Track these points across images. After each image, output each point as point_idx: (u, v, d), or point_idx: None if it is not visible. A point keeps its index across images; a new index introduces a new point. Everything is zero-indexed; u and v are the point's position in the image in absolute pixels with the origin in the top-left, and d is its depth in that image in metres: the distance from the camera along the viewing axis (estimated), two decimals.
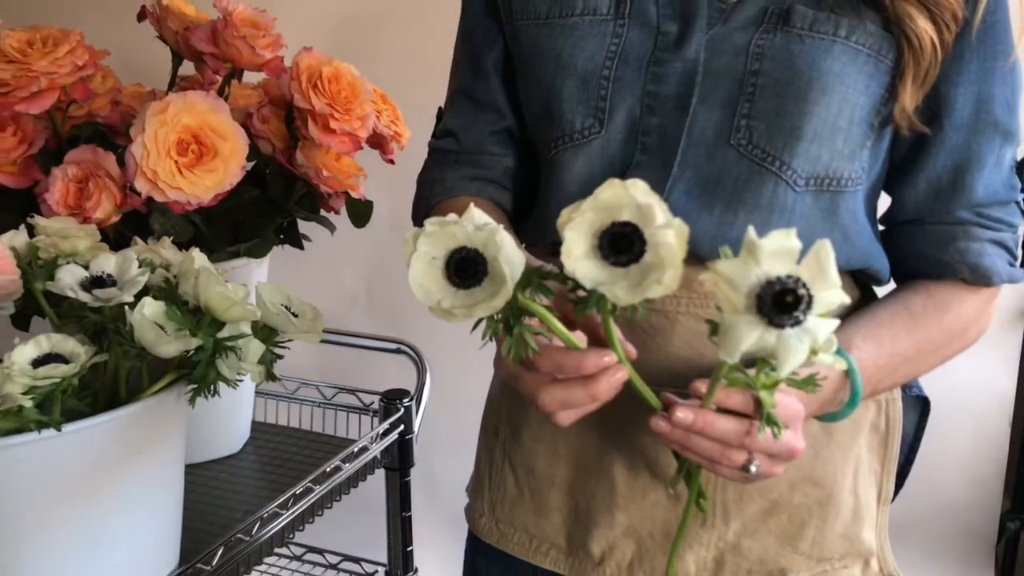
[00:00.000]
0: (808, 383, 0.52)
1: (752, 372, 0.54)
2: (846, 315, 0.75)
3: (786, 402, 0.60)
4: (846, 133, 0.71)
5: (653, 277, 0.48)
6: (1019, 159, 0.77)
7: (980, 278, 0.74)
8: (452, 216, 0.50)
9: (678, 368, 0.73)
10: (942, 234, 0.75)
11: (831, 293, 0.47)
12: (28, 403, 0.58)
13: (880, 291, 0.83)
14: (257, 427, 1.10)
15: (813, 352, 0.47)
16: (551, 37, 0.75)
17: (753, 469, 0.60)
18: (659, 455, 0.74)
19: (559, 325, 0.54)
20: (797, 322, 0.47)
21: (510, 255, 0.50)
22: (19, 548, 0.63)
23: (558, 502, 0.80)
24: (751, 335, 0.47)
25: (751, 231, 0.48)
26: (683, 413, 0.57)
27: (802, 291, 0.46)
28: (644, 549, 0.76)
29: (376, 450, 1.02)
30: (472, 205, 0.51)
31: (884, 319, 0.74)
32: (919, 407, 0.84)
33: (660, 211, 0.48)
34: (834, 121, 0.70)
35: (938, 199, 0.76)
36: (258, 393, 1.13)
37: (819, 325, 0.47)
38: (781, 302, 0.46)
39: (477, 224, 0.50)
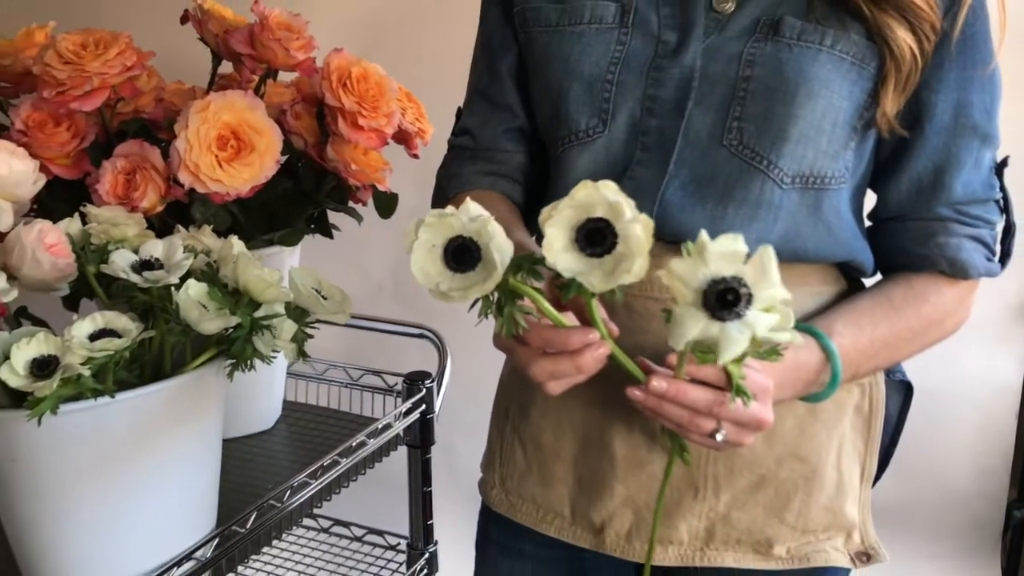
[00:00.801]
0: (771, 353, 0.58)
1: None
2: (832, 303, 0.80)
3: (755, 376, 0.66)
4: (830, 135, 0.75)
5: (624, 266, 0.54)
6: (999, 161, 0.81)
7: (958, 271, 0.79)
8: (450, 208, 0.56)
9: (671, 348, 0.78)
10: (923, 230, 0.80)
11: (772, 292, 0.53)
12: (86, 372, 0.65)
13: (869, 283, 0.87)
14: (288, 406, 1.17)
15: (755, 343, 0.53)
16: (561, 43, 0.81)
17: (719, 436, 0.65)
18: (655, 432, 0.79)
19: (547, 305, 0.60)
20: (738, 316, 0.52)
21: (500, 243, 0.56)
22: (75, 502, 0.70)
23: (563, 475, 0.86)
24: (696, 326, 0.53)
25: (703, 234, 0.54)
26: (657, 382, 0.63)
27: (743, 290, 0.52)
28: (640, 519, 0.82)
29: (399, 427, 1.08)
30: (468, 199, 0.57)
31: (866, 308, 0.79)
32: (903, 391, 0.88)
33: (628, 207, 0.54)
34: (819, 124, 0.74)
35: (919, 197, 0.80)
36: (289, 374, 1.20)
37: (759, 319, 0.53)
38: (724, 299, 0.52)
39: (471, 216, 0.56)
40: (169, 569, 0.75)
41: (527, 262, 0.57)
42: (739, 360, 0.57)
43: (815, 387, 0.75)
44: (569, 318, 0.62)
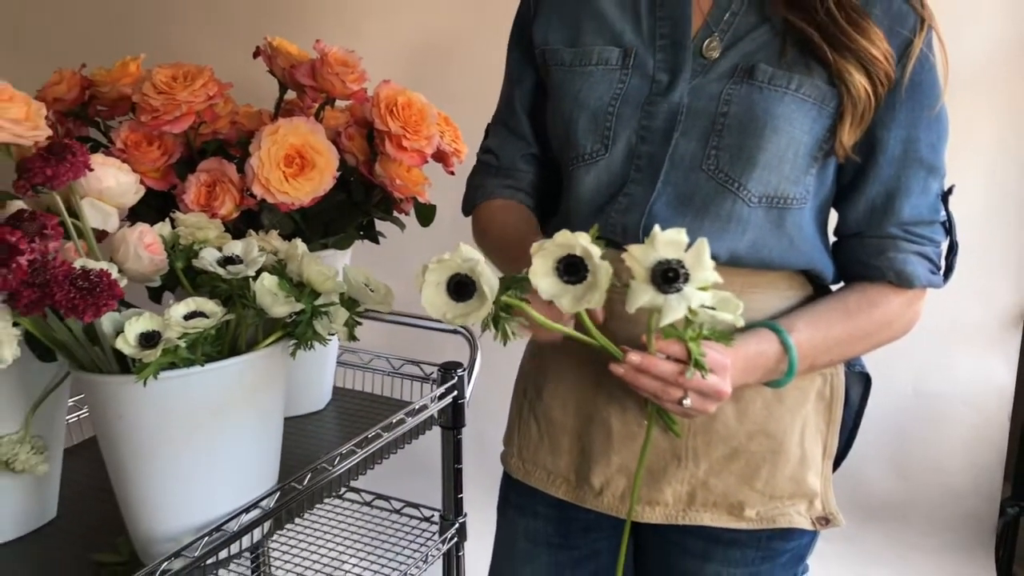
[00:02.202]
0: (724, 336, 0.72)
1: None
2: (798, 306, 0.93)
3: (714, 355, 0.79)
4: (792, 163, 0.88)
5: (589, 295, 0.70)
6: (946, 189, 0.93)
7: (904, 281, 0.91)
8: (448, 254, 0.72)
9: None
10: (876, 246, 0.93)
11: (706, 274, 0.69)
12: (182, 344, 0.81)
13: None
14: (337, 391, 1.33)
15: (692, 312, 0.68)
16: (572, 80, 0.95)
17: (686, 403, 0.79)
18: (644, 410, 0.93)
19: (532, 311, 0.75)
20: (677, 290, 0.68)
21: (489, 278, 0.72)
22: (166, 454, 0.85)
23: (568, 445, 1.00)
24: (645, 296, 0.69)
25: (656, 227, 0.69)
26: (632, 356, 0.78)
27: (682, 270, 0.68)
28: (632, 483, 0.96)
29: (434, 409, 1.23)
30: (465, 246, 0.73)
31: (823, 310, 0.92)
32: (863, 382, 1.01)
33: (595, 252, 0.70)
34: (782, 154, 0.88)
35: (873, 218, 0.93)
36: (339, 363, 1.36)
37: (695, 294, 0.69)
38: (666, 276, 0.68)
39: (465, 258, 0.73)
40: (239, 514, 0.90)
41: (514, 282, 0.74)
42: (696, 338, 0.72)
43: (775, 375, 0.89)
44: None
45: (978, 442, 1.66)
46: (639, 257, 0.69)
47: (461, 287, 0.73)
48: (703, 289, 0.68)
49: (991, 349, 1.65)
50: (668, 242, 0.69)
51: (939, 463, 1.67)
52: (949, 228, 0.94)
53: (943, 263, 0.94)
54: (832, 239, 0.99)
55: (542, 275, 0.72)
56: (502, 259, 0.98)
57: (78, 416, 1.16)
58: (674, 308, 0.68)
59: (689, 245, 0.70)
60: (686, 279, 0.68)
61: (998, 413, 1.65)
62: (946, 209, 0.93)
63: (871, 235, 0.93)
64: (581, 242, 0.70)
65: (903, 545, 1.73)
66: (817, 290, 0.97)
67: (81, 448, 1.16)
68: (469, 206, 1.09)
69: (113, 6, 1.46)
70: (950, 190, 0.94)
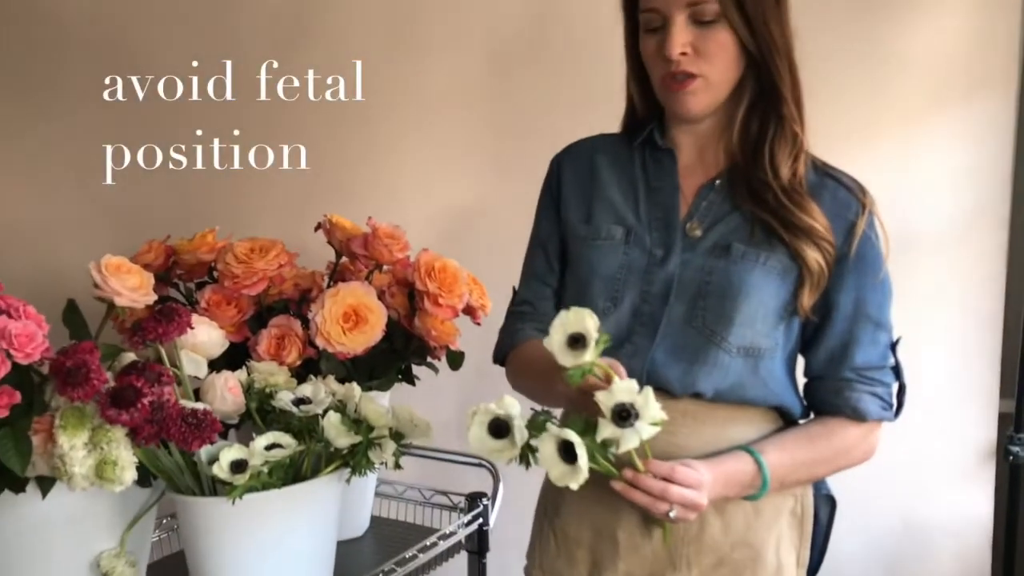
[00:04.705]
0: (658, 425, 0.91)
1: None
2: (770, 435, 1.11)
3: (690, 473, 0.97)
4: (762, 321, 1.08)
5: (585, 355, 0.89)
6: (894, 340, 1.12)
7: (858, 416, 1.10)
8: (494, 404, 0.93)
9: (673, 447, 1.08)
10: (834, 386, 1.12)
11: (653, 413, 0.88)
12: (264, 470, 0.99)
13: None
14: (375, 520, 1.48)
15: (644, 444, 0.89)
16: (587, 250, 1.16)
17: (672, 514, 0.97)
18: (647, 524, 1.09)
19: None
20: (631, 425, 0.88)
21: (520, 425, 0.93)
22: (246, 567, 1.02)
23: (582, 556, 1.15)
24: (607, 430, 0.89)
25: (616, 379, 0.89)
26: (626, 473, 0.95)
27: (633, 411, 0.88)
28: None
29: (461, 535, 1.38)
30: (507, 397, 0.93)
31: (790, 438, 1.11)
32: (830, 504, 1.18)
33: (594, 328, 0.90)
34: (754, 314, 1.08)
35: (832, 363, 1.12)
36: (377, 494, 1.52)
37: (644, 427, 0.88)
38: (621, 415, 0.88)
39: (505, 408, 0.93)
40: None
41: (540, 417, 0.95)
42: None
43: (752, 489, 1.06)
44: None
45: (962, 571, 1.77)
46: (604, 401, 0.90)
47: (499, 429, 0.94)
48: (654, 424, 0.89)
49: (969, 483, 1.79)
50: (624, 390, 0.89)
51: None
52: (898, 372, 1.12)
53: (895, 401, 1.12)
54: (803, 380, 1.18)
55: (558, 345, 0.91)
56: (540, 383, 1.13)
57: (158, 535, 1.32)
58: (629, 438, 0.89)
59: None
60: (637, 417, 0.88)
61: (979, 542, 1.77)
62: (894, 356, 1.12)
63: (831, 378, 1.12)
64: (584, 320, 0.91)
65: None
66: (787, 423, 1.15)
67: (159, 565, 1.31)
68: (505, 350, 1.25)
69: (189, 185, 1.72)
70: (897, 341, 1.13)
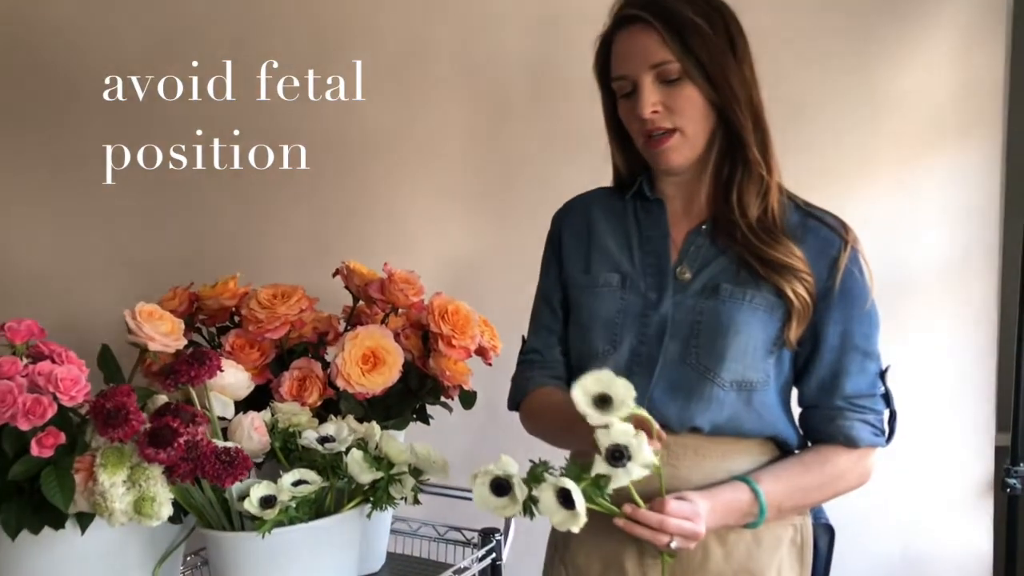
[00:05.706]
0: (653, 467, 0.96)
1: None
2: (766, 464, 1.17)
3: (685, 505, 1.03)
4: (752, 355, 1.14)
5: (613, 411, 0.95)
6: (883, 368, 1.18)
7: (850, 443, 1.16)
8: (493, 466, 0.98)
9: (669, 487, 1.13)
10: (827, 415, 1.18)
11: (644, 454, 0.94)
12: (292, 505, 1.04)
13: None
14: (390, 556, 1.52)
15: (631, 483, 0.94)
16: (587, 297, 1.23)
17: (673, 545, 1.02)
18: (648, 555, 1.15)
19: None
20: (623, 465, 0.94)
21: (519, 483, 0.98)
22: None
23: None
24: (602, 467, 0.95)
25: (614, 421, 0.94)
26: (626, 508, 1.01)
27: (626, 452, 0.94)
28: None
29: (475, 569, 1.42)
30: (504, 457, 0.98)
31: (786, 466, 1.16)
32: (828, 533, 1.23)
33: (620, 386, 0.96)
34: (744, 349, 1.14)
35: (823, 393, 1.18)
36: (392, 531, 1.56)
37: (635, 469, 0.94)
38: (615, 456, 0.94)
39: (505, 467, 0.98)
40: None
41: (538, 468, 1.00)
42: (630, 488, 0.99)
43: (750, 517, 1.12)
44: None
45: None
46: (600, 440, 0.96)
47: (500, 487, 0.99)
48: (644, 467, 0.95)
49: (968, 516, 1.83)
50: (620, 432, 0.95)
51: None
52: (888, 399, 1.18)
53: (886, 427, 1.18)
54: (797, 410, 1.23)
55: (584, 403, 0.97)
56: (556, 428, 1.19)
57: (182, 571, 1.36)
58: (620, 477, 0.95)
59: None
60: (629, 458, 0.94)
61: (981, 574, 1.81)
62: (884, 384, 1.18)
63: (823, 407, 1.18)
64: (605, 378, 0.97)
65: None
66: (784, 453, 1.21)
67: None
68: (519, 397, 1.31)
69: (209, 228, 1.79)
70: (886, 369, 1.19)
